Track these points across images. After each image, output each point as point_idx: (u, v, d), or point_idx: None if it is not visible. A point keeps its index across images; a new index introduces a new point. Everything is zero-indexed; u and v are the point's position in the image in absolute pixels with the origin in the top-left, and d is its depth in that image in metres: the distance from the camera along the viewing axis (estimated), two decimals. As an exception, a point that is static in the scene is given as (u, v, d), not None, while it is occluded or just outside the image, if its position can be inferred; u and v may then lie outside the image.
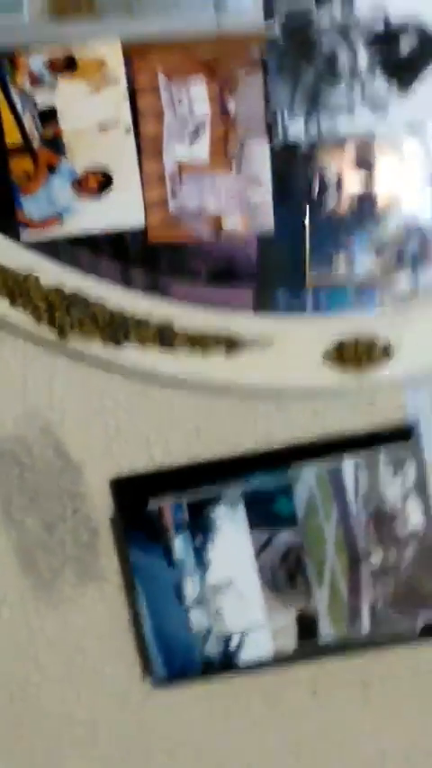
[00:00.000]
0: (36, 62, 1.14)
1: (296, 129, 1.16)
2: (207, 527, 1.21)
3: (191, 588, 1.22)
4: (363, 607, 1.22)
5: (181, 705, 1.26)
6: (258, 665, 1.23)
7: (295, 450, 1.22)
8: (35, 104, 1.16)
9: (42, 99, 1.15)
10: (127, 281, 1.19)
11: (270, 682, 1.25)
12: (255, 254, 1.18)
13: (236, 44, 1.14)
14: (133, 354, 1.18)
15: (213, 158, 1.16)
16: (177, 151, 1.16)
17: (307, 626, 1.23)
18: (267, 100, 1.15)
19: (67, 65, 1.15)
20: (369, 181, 1.17)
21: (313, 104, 1.15)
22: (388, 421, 1.22)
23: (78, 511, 1.24)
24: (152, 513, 1.21)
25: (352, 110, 1.15)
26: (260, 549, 1.22)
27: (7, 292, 1.17)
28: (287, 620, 1.22)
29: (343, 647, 1.23)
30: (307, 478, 1.21)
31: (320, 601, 1.22)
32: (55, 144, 1.16)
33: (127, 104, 1.15)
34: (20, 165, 1.16)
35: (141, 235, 1.17)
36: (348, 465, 1.21)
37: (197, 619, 1.22)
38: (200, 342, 1.17)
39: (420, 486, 1.21)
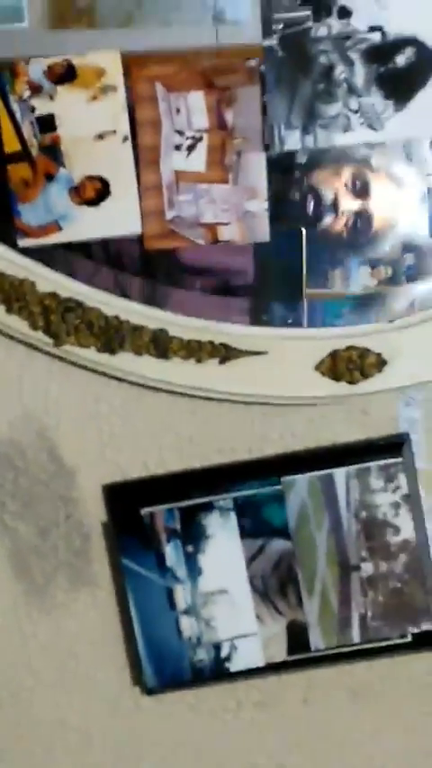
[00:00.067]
0: (36, 71, 1.17)
1: (293, 141, 1.18)
2: (199, 534, 1.23)
3: (182, 595, 1.23)
4: (353, 616, 1.24)
5: (172, 712, 1.27)
6: (249, 673, 1.24)
7: (288, 460, 1.24)
8: (34, 112, 1.18)
9: (41, 107, 1.18)
10: (124, 289, 1.21)
11: (261, 690, 1.27)
12: (252, 267, 1.21)
13: (234, 57, 1.16)
14: (128, 361, 1.20)
15: (210, 169, 1.19)
16: (174, 161, 1.18)
17: (298, 635, 1.24)
18: (264, 112, 1.18)
19: (67, 74, 1.17)
20: (365, 200, 1.19)
21: (310, 117, 1.17)
22: (380, 432, 1.23)
23: (71, 516, 1.25)
24: (145, 519, 1.23)
25: (348, 123, 1.18)
26: (252, 558, 1.24)
27: (4, 298, 1.20)
28: (278, 629, 1.24)
29: (333, 656, 1.24)
30: (299, 488, 1.23)
31: (311, 610, 1.23)
32: (53, 152, 1.18)
33: (125, 114, 1.17)
34: (18, 173, 1.18)
35: (138, 243, 1.20)
36: (340, 475, 1.23)
37: (188, 626, 1.23)
38: (194, 350, 1.20)
39: (411, 496, 1.23)
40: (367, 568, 1.22)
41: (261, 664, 1.23)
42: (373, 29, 1.15)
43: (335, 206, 1.17)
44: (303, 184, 1.17)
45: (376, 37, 1.15)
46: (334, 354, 1.18)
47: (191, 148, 1.17)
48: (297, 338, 1.19)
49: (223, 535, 1.22)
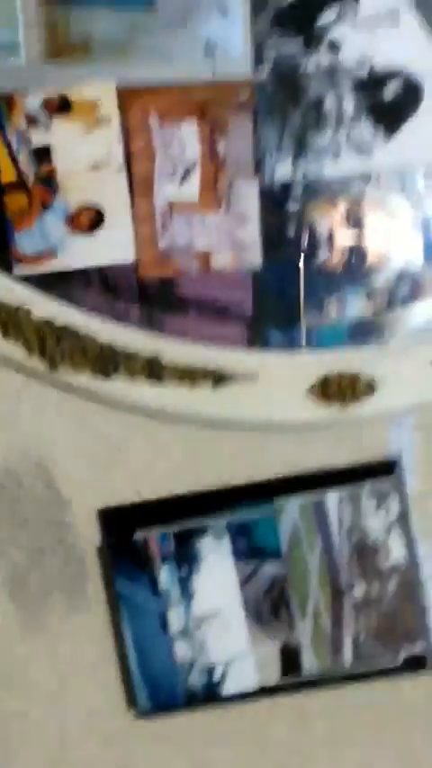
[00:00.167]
0: (32, 103, 1.22)
1: (284, 170, 1.23)
2: (193, 558, 1.25)
3: (176, 619, 1.26)
4: (345, 639, 1.26)
5: (165, 736, 1.29)
6: (242, 697, 1.27)
7: (280, 483, 1.26)
8: (30, 144, 1.23)
9: (37, 138, 1.22)
10: (119, 316, 1.26)
11: (254, 713, 1.29)
12: (250, 299, 1.25)
13: (226, 88, 1.21)
14: (122, 387, 1.23)
15: (203, 197, 1.23)
16: (168, 190, 1.23)
17: (290, 658, 1.26)
18: (256, 142, 1.23)
19: (62, 106, 1.22)
20: (360, 233, 1.24)
21: (300, 147, 1.22)
22: (371, 455, 1.26)
23: (65, 540, 1.28)
24: (138, 543, 1.26)
25: (338, 153, 1.22)
26: (245, 581, 1.26)
27: (0, 325, 1.24)
28: (271, 652, 1.26)
29: (326, 679, 1.27)
30: (291, 511, 1.26)
31: (304, 633, 1.26)
32: (49, 182, 1.22)
33: (120, 144, 1.22)
34: (14, 202, 1.23)
35: (134, 271, 1.24)
36: (332, 498, 1.26)
37: (182, 649, 1.25)
38: (188, 375, 1.23)
39: (403, 520, 1.26)
40: (359, 591, 1.25)
41: (254, 686, 1.25)
42: (361, 62, 1.20)
43: (329, 241, 1.22)
44: (298, 219, 1.22)
45: (365, 70, 1.20)
46: (325, 379, 1.22)
47: (184, 178, 1.21)
48: (288, 362, 1.23)
49: (216, 558, 1.24)
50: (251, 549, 1.25)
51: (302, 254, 1.20)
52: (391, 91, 1.20)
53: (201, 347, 1.22)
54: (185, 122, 1.19)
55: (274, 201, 1.21)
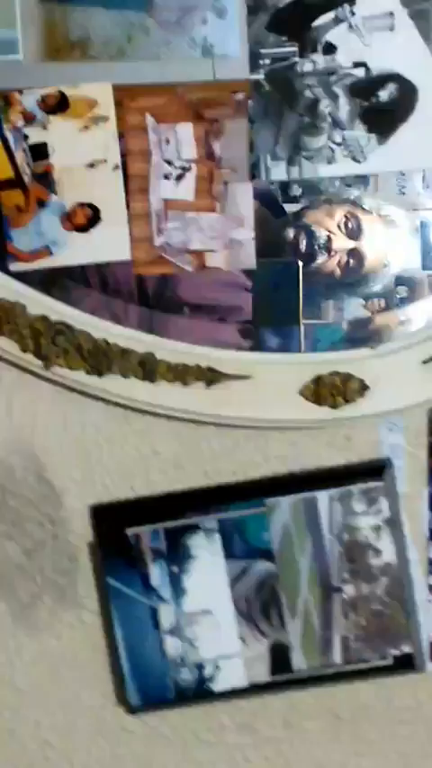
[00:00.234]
0: (29, 101, 1.24)
1: (278, 172, 1.25)
2: (184, 555, 1.26)
3: (166, 616, 1.27)
4: (335, 638, 1.27)
5: (155, 731, 1.30)
6: (231, 694, 1.28)
7: (271, 483, 1.27)
8: (27, 141, 1.24)
9: (34, 136, 1.24)
10: (118, 317, 1.27)
11: (243, 711, 1.30)
12: (249, 303, 1.26)
13: (222, 90, 1.23)
14: (116, 384, 1.24)
15: (198, 198, 1.25)
16: (163, 190, 1.24)
17: (280, 656, 1.27)
18: (251, 144, 1.24)
19: (60, 104, 1.23)
20: (357, 239, 1.25)
21: (295, 149, 1.24)
22: (362, 456, 1.27)
23: (58, 536, 1.29)
24: (130, 540, 1.27)
25: (332, 155, 1.24)
26: (236, 579, 1.27)
27: (-5, 321, 1.26)
28: (261, 650, 1.27)
29: (315, 677, 1.28)
30: (282, 510, 1.27)
31: (293, 631, 1.27)
32: (45, 179, 1.24)
33: (116, 144, 1.23)
34: (11, 199, 1.25)
35: (130, 270, 1.26)
36: (323, 498, 1.27)
37: (172, 646, 1.26)
38: (181, 373, 1.25)
39: (392, 520, 1.28)
40: (349, 591, 1.26)
41: (244, 684, 1.26)
42: (357, 65, 1.21)
43: (328, 246, 1.23)
44: (296, 224, 1.23)
45: (360, 72, 1.21)
46: (317, 379, 1.24)
47: (179, 178, 1.23)
48: (281, 363, 1.24)
49: (208, 556, 1.25)
50: (242, 547, 1.26)
51: (301, 258, 1.21)
52: (385, 95, 1.21)
53: (194, 346, 1.23)
54: (181, 123, 1.21)
55: (272, 204, 1.22)
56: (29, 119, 1.20)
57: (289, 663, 1.25)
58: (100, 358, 1.21)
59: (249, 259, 1.22)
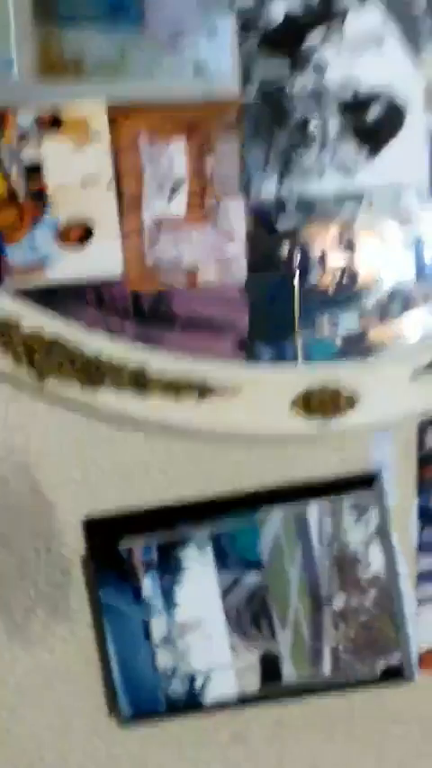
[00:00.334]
0: (24, 119, 1.25)
1: (269, 189, 1.27)
2: (176, 568, 1.28)
3: (158, 627, 1.28)
4: (325, 650, 1.29)
5: (147, 743, 1.31)
6: (223, 705, 1.29)
7: (262, 495, 1.29)
8: (22, 159, 1.26)
9: (29, 154, 1.25)
10: (111, 328, 1.28)
11: (234, 722, 1.31)
12: (240, 312, 1.28)
13: (214, 108, 1.25)
14: (109, 398, 1.26)
15: (190, 214, 1.27)
16: (156, 206, 1.26)
17: (271, 667, 1.29)
18: (243, 161, 1.26)
19: (54, 122, 1.25)
20: (351, 254, 1.28)
21: (286, 166, 1.26)
22: (353, 468, 1.29)
23: (50, 549, 1.31)
24: (122, 552, 1.28)
25: (322, 173, 1.26)
26: (227, 591, 1.29)
27: (-11, 336, 1.27)
28: (251, 661, 1.29)
29: (305, 688, 1.30)
30: (273, 522, 1.28)
31: (284, 643, 1.29)
32: (40, 197, 1.25)
33: (109, 161, 1.25)
34: (5, 216, 1.26)
35: (125, 286, 1.27)
36: (313, 510, 1.29)
37: (164, 658, 1.28)
38: (173, 387, 1.27)
39: (383, 532, 1.29)
40: (339, 602, 1.28)
41: (234, 695, 1.28)
42: (346, 83, 1.23)
43: (321, 261, 1.25)
44: (290, 240, 1.25)
45: (349, 91, 1.24)
46: (308, 393, 1.25)
47: (172, 195, 1.25)
48: (273, 376, 1.26)
49: (199, 568, 1.27)
50: (233, 559, 1.28)
51: (296, 273, 1.23)
52: (374, 112, 1.23)
53: (186, 360, 1.24)
54: (174, 141, 1.23)
55: (265, 220, 1.24)
56: (23, 137, 1.21)
57: (279, 673, 1.27)
58: (93, 372, 1.23)
59: (241, 274, 1.23)
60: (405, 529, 1.27)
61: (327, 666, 1.27)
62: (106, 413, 1.25)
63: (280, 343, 1.24)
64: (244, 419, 1.24)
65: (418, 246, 1.24)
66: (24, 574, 1.28)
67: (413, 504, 1.27)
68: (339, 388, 1.24)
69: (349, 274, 1.24)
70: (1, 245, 1.24)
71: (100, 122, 1.22)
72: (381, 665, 1.28)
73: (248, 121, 1.21)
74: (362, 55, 1.21)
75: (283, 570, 1.26)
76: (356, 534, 1.26)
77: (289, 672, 1.27)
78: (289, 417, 1.24)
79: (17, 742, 1.30)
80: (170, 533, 1.27)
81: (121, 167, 1.23)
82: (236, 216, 1.23)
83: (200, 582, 1.26)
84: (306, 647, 1.26)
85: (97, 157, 1.22)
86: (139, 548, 1.25)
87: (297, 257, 1.22)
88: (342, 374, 1.24)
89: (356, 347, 1.25)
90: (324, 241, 1.23)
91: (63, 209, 1.23)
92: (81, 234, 1.23)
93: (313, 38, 1.21)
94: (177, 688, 1.27)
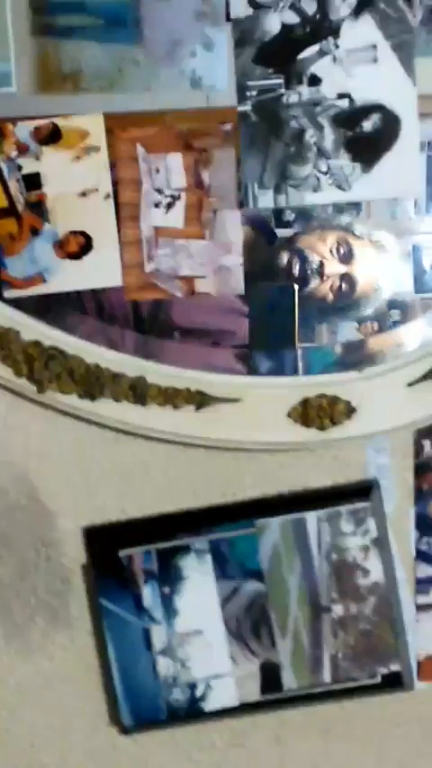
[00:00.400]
0: (23, 132, 1.26)
1: (265, 200, 1.28)
2: (175, 576, 1.28)
3: (158, 636, 1.28)
4: (324, 657, 1.29)
5: (147, 751, 1.31)
6: (223, 713, 1.29)
7: (261, 504, 1.29)
8: (21, 171, 1.27)
9: (28, 166, 1.26)
10: (111, 339, 1.29)
11: (234, 729, 1.31)
12: (245, 328, 1.29)
13: (211, 120, 1.26)
14: (108, 407, 1.26)
15: (188, 225, 1.27)
16: (154, 218, 1.27)
17: (270, 675, 1.29)
18: (239, 172, 1.27)
19: (52, 135, 1.26)
20: (350, 264, 1.28)
21: (282, 178, 1.27)
22: (350, 477, 1.30)
23: (51, 558, 1.31)
24: (123, 561, 1.28)
25: (318, 184, 1.27)
26: (226, 599, 1.29)
27: (-11, 346, 1.28)
28: (251, 669, 1.29)
29: (305, 696, 1.30)
30: (272, 531, 1.28)
31: (284, 650, 1.29)
32: (39, 208, 1.27)
33: (107, 173, 1.25)
34: (4, 227, 1.27)
35: (124, 296, 1.28)
36: (311, 519, 1.29)
37: (164, 666, 1.28)
38: (171, 397, 1.27)
39: (381, 540, 1.30)
40: (338, 610, 1.28)
41: (235, 703, 1.28)
42: (341, 96, 1.24)
43: (320, 271, 1.26)
44: (289, 249, 1.26)
45: (344, 103, 1.24)
46: (305, 402, 1.26)
47: (169, 206, 1.26)
48: (270, 386, 1.26)
49: (199, 577, 1.27)
50: (233, 567, 1.28)
51: (294, 282, 1.24)
52: (369, 125, 1.24)
53: (184, 370, 1.25)
54: (171, 152, 1.24)
55: (264, 230, 1.25)
56: (22, 149, 1.22)
57: (279, 681, 1.27)
58: (92, 382, 1.23)
59: (238, 284, 1.24)
60: (403, 536, 1.28)
61: (326, 674, 1.27)
62: (105, 422, 1.25)
63: (279, 353, 1.25)
64: (242, 429, 1.25)
65: (416, 256, 1.25)
66: (24, 582, 1.29)
67: (410, 511, 1.28)
68: (336, 398, 1.24)
69: (347, 283, 1.24)
70: (0, 258, 1.25)
71: (98, 135, 1.23)
72: (380, 672, 1.28)
73: (245, 134, 1.22)
74: (356, 68, 1.22)
75: (282, 579, 1.26)
76: (354, 542, 1.27)
77: (289, 680, 1.27)
78: (286, 427, 1.24)
79: (16, 746, 1.30)
80: (169, 542, 1.27)
81: (118, 179, 1.23)
82: (233, 227, 1.24)
83: (199, 590, 1.27)
84: (306, 655, 1.27)
85: (95, 169, 1.24)
86: (139, 556, 1.26)
87: (296, 267, 1.23)
88: (339, 384, 1.25)
89: (355, 355, 1.25)
90: (322, 251, 1.24)
91: (62, 220, 1.24)
92: (80, 245, 1.24)
93: (309, 51, 1.22)
94: (178, 696, 1.27)
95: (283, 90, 1.22)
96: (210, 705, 1.26)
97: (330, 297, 1.23)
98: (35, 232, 1.23)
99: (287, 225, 1.22)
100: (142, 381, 1.23)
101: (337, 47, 1.20)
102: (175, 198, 1.23)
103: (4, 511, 1.27)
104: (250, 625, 1.26)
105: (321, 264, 1.22)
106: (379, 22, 1.20)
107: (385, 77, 1.21)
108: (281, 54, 1.21)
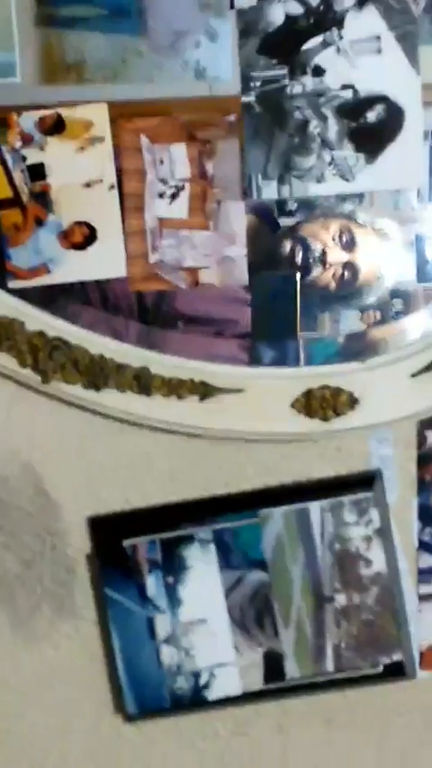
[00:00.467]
0: (27, 122, 1.26)
1: (269, 190, 1.27)
2: (179, 566, 1.29)
3: (162, 625, 1.29)
4: (327, 646, 1.30)
5: (151, 739, 1.32)
6: (226, 701, 1.30)
7: (264, 494, 1.30)
8: (25, 162, 1.27)
9: (32, 157, 1.26)
10: (118, 332, 1.29)
11: (238, 717, 1.32)
12: (247, 317, 1.29)
13: (214, 111, 1.26)
14: (112, 398, 1.27)
15: (192, 216, 1.27)
16: (158, 208, 1.27)
17: (274, 664, 1.30)
18: (243, 163, 1.27)
19: (56, 126, 1.26)
20: (352, 252, 1.28)
21: (285, 168, 1.27)
22: (353, 468, 1.30)
23: (56, 548, 1.31)
24: (127, 551, 1.29)
25: (321, 174, 1.27)
26: (230, 589, 1.30)
27: (-6, 337, 1.28)
28: (255, 659, 1.29)
29: (308, 685, 1.30)
30: (275, 521, 1.29)
31: (287, 640, 1.29)
32: (43, 199, 1.27)
33: (111, 163, 1.25)
34: (9, 218, 1.27)
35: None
36: (315, 509, 1.29)
37: (168, 655, 1.28)
38: (175, 387, 1.27)
39: (383, 530, 1.30)
40: (341, 600, 1.28)
41: (238, 692, 1.28)
42: (345, 87, 1.24)
43: (323, 259, 1.26)
44: (292, 238, 1.25)
45: (348, 94, 1.24)
46: (308, 393, 1.26)
47: (173, 197, 1.26)
48: (273, 377, 1.26)
49: (203, 567, 1.27)
50: (236, 557, 1.28)
51: (297, 270, 1.24)
52: (373, 116, 1.24)
53: (188, 361, 1.25)
54: (175, 143, 1.24)
55: (267, 220, 1.25)
56: (27, 140, 1.22)
57: (282, 671, 1.27)
58: (96, 373, 1.23)
59: (242, 275, 1.24)
60: (405, 527, 1.28)
61: (329, 663, 1.27)
62: (109, 413, 1.26)
63: (282, 342, 1.25)
64: (245, 419, 1.25)
65: (419, 245, 1.24)
66: (30, 571, 1.29)
67: (413, 502, 1.28)
68: (339, 389, 1.24)
69: (350, 271, 1.24)
70: (5, 248, 1.25)
71: (102, 125, 1.23)
72: (383, 661, 1.28)
73: (248, 125, 1.22)
74: (360, 59, 1.22)
75: (285, 569, 1.26)
76: (358, 533, 1.27)
77: (292, 669, 1.27)
78: (289, 418, 1.24)
79: (21, 738, 1.31)
80: (174, 532, 1.27)
81: (123, 170, 1.24)
82: (237, 218, 1.24)
83: (203, 580, 1.27)
84: (309, 645, 1.27)
85: (99, 160, 1.24)
86: (143, 546, 1.27)
87: (299, 255, 1.23)
88: (342, 375, 1.25)
89: (358, 345, 1.25)
90: (325, 239, 1.24)
91: (66, 210, 1.24)
92: (84, 235, 1.24)
93: (312, 43, 1.22)
94: (182, 685, 1.28)
95: (286, 81, 1.21)
96: (213, 694, 1.27)
97: (333, 285, 1.23)
98: (39, 222, 1.23)
99: (290, 214, 1.22)
100: (146, 372, 1.23)
101: (340, 38, 1.20)
102: (179, 189, 1.23)
103: (9, 501, 1.27)
104: (254, 614, 1.26)
105: (324, 252, 1.22)
106: (383, 12, 1.20)
107: (389, 68, 1.21)
108: (285, 45, 1.20)
